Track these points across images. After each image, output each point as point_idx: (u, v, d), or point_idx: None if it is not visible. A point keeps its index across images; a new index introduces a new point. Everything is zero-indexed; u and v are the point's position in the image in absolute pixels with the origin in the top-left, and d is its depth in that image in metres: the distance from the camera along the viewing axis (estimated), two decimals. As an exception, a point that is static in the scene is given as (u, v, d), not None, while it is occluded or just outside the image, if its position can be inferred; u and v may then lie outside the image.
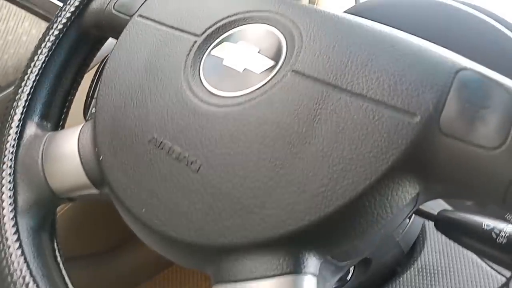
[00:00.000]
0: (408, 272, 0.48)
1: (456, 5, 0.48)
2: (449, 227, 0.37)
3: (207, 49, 0.32)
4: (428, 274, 0.48)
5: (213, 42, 0.32)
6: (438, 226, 0.38)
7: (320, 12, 0.30)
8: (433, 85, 0.23)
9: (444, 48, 0.25)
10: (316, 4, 0.77)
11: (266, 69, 0.29)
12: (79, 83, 0.43)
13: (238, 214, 0.25)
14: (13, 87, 0.52)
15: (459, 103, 0.23)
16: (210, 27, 0.33)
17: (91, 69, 0.48)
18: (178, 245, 0.27)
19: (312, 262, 0.24)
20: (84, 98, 0.43)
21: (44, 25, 0.68)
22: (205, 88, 0.30)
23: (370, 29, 0.27)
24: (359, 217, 0.24)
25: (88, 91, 0.48)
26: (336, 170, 0.24)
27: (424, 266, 0.48)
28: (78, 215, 0.72)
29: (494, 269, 0.47)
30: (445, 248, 0.49)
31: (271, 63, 0.29)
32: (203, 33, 0.33)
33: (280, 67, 0.28)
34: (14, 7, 0.65)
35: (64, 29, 0.41)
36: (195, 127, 0.29)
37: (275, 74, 0.28)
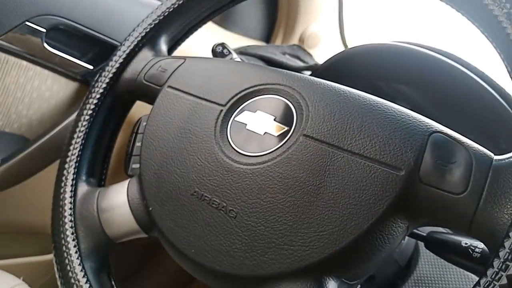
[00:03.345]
0: (407, 284, 0.55)
1: (429, 52, 0.57)
2: (435, 245, 0.45)
3: (231, 116, 0.40)
4: (424, 284, 0.55)
5: (236, 110, 0.40)
6: (427, 245, 0.46)
7: (321, 84, 0.38)
8: (413, 145, 0.31)
9: (418, 114, 0.33)
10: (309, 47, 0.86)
11: (282, 133, 0.37)
12: (114, 143, 0.51)
13: (271, 251, 0.33)
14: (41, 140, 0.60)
15: (432, 159, 0.31)
16: (232, 98, 0.41)
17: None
18: (223, 277, 0.35)
19: (331, 285, 0.32)
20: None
21: (64, 80, 0.76)
22: (234, 149, 0.38)
23: (362, 99, 0.35)
24: (365, 248, 0.31)
25: (126, 149, 0.56)
26: (345, 214, 0.31)
27: (420, 278, 0.55)
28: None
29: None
30: (437, 261, 0.56)
31: (285, 128, 0.37)
32: (227, 103, 0.40)
33: (293, 131, 0.36)
34: (38, 68, 0.72)
35: (102, 97, 0.49)
36: (230, 182, 0.36)
37: (289, 137, 0.36)
